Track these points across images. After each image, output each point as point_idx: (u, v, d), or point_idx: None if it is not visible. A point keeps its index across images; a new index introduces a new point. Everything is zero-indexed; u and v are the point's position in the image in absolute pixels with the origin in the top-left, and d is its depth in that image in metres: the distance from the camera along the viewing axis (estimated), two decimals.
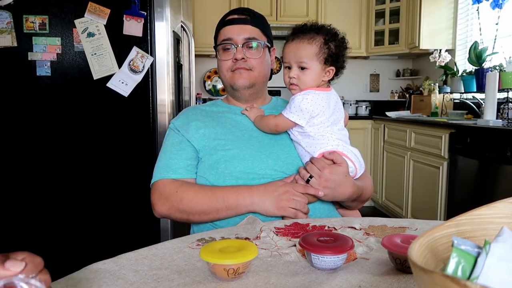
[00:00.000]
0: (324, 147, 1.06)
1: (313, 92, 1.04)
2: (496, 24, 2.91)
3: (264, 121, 1.12)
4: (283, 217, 1.02)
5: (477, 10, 3.12)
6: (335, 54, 1.05)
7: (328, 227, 0.88)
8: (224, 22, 1.20)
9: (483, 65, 2.96)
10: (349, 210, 1.15)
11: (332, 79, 1.09)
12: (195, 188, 1.07)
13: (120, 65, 1.96)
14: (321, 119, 1.06)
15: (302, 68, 1.04)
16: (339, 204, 1.13)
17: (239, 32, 1.17)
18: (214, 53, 1.24)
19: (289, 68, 1.07)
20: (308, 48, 1.03)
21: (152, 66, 1.99)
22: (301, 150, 1.10)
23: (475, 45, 2.99)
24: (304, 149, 1.09)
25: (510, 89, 2.52)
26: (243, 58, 1.16)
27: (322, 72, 1.05)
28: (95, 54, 1.95)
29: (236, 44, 1.16)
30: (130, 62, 1.97)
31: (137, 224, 2.04)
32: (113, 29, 1.95)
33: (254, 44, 1.18)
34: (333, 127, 1.09)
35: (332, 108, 1.08)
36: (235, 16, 1.19)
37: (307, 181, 1.02)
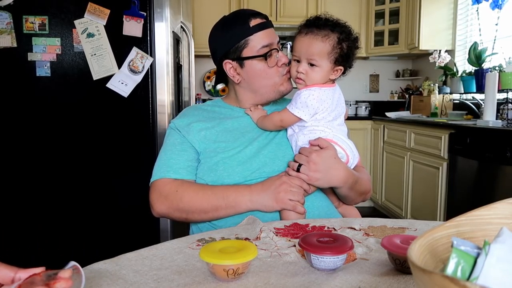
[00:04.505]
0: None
1: (319, 89, 1.04)
2: (496, 24, 2.91)
3: (268, 118, 1.12)
4: (280, 214, 1.02)
5: (477, 10, 3.13)
6: (346, 55, 1.04)
7: (328, 227, 0.88)
8: (252, 28, 1.12)
9: (482, 65, 2.96)
10: (349, 205, 1.15)
11: (339, 77, 1.09)
12: (195, 187, 1.07)
13: (119, 66, 1.96)
14: (323, 115, 1.07)
15: (312, 65, 1.04)
16: (338, 201, 1.14)
17: (273, 37, 1.14)
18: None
19: (298, 61, 1.06)
20: (321, 46, 1.02)
21: (152, 66, 2.00)
22: (294, 145, 1.11)
23: (474, 45, 2.99)
24: (296, 143, 1.09)
25: (510, 89, 2.52)
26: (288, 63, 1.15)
27: (331, 70, 1.05)
28: (94, 54, 1.95)
29: (277, 48, 1.14)
30: (129, 62, 1.97)
31: (137, 224, 2.04)
32: (113, 29, 1.95)
33: (283, 47, 1.19)
34: (333, 122, 1.09)
35: (335, 104, 1.08)
36: (260, 21, 1.14)
37: (298, 170, 1.02)
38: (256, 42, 1.12)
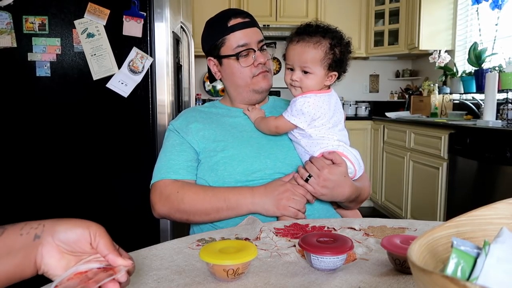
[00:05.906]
0: (325, 147, 1.06)
1: (314, 95, 1.04)
2: (496, 24, 2.91)
3: (265, 122, 1.12)
4: (277, 218, 1.02)
5: (477, 10, 3.13)
6: (339, 60, 1.03)
7: (328, 227, 0.88)
8: (230, 27, 1.15)
9: (482, 65, 2.96)
10: (346, 210, 1.15)
11: (334, 82, 1.09)
12: (197, 188, 1.07)
13: (119, 66, 1.96)
14: (322, 121, 1.06)
15: (305, 72, 1.03)
16: (336, 205, 1.13)
17: (252, 36, 1.15)
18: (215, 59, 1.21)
19: (292, 69, 1.06)
20: (313, 53, 1.01)
21: (152, 66, 1.99)
22: (300, 150, 1.10)
23: (474, 45, 2.99)
24: (304, 149, 1.09)
25: (510, 89, 2.52)
26: (265, 62, 1.17)
27: (325, 77, 1.04)
28: (94, 54, 1.95)
29: (254, 49, 1.15)
30: (129, 62, 1.97)
31: (137, 225, 2.04)
32: (113, 29, 1.95)
33: (265, 46, 1.19)
34: (334, 128, 1.09)
35: (333, 110, 1.08)
36: (240, 20, 1.16)
37: (306, 180, 1.02)
38: (233, 41, 1.15)
